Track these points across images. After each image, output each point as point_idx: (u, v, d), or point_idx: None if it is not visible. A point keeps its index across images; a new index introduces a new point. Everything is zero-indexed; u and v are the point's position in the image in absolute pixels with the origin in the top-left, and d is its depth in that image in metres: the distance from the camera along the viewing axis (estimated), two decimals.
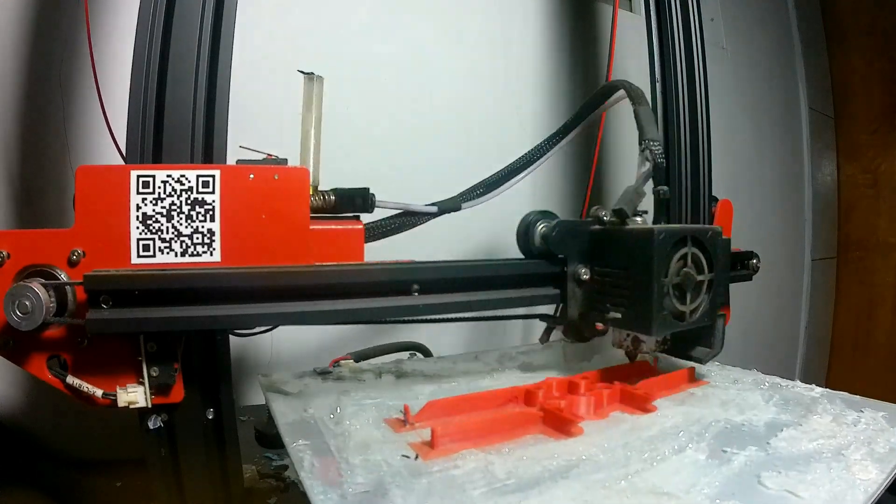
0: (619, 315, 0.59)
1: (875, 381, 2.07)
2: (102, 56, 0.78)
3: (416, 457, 0.44)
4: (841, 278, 2.28)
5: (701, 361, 0.66)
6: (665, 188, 0.65)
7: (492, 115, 1.20)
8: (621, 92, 0.71)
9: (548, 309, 0.70)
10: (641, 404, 0.56)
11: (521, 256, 0.68)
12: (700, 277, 0.59)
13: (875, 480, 0.41)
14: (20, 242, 0.46)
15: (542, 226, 0.65)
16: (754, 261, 0.83)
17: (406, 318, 0.70)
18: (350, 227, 0.57)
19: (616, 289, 0.60)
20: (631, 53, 1.28)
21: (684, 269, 0.58)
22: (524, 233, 0.66)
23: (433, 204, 0.69)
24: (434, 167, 1.09)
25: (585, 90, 1.32)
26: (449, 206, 0.70)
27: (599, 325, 0.65)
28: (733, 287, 0.88)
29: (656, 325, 0.56)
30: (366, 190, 0.60)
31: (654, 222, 0.63)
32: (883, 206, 2.15)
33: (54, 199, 0.81)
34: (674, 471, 0.43)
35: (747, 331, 1.78)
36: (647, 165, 0.62)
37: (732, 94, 1.75)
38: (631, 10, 1.46)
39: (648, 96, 0.97)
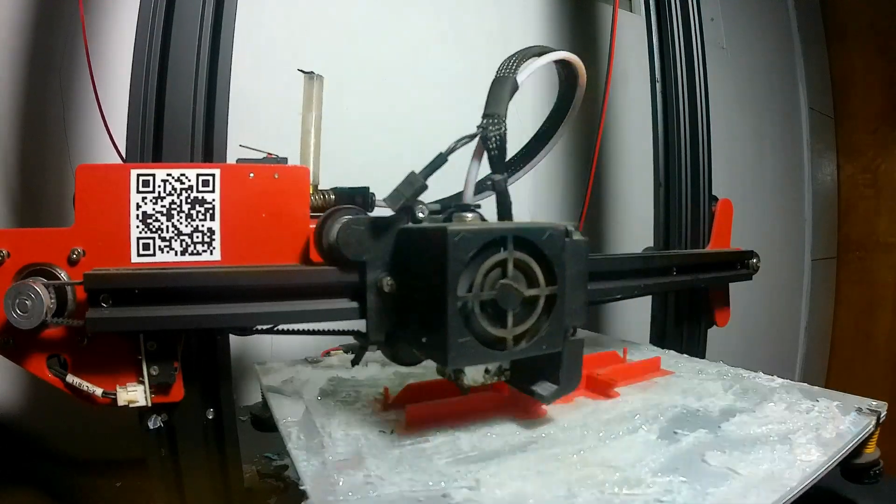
0: (424, 339, 0.44)
1: (875, 381, 2.07)
2: (102, 56, 0.79)
3: (392, 431, 0.49)
4: (841, 278, 2.28)
5: (544, 400, 0.48)
6: (498, 177, 0.51)
7: None
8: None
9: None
10: (605, 390, 0.58)
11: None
12: (531, 292, 0.43)
13: (816, 462, 0.42)
14: (20, 241, 0.46)
15: (339, 220, 0.49)
16: (754, 260, 0.83)
17: None
18: None
19: (417, 305, 0.45)
20: (631, 53, 1.28)
21: (501, 281, 0.42)
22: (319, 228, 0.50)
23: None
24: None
25: (585, 90, 1.32)
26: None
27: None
28: (733, 287, 0.88)
29: (453, 354, 0.41)
30: (366, 189, 0.60)
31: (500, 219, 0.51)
32: (883, 206, 2.15)
33: (54, 199, 0.81)
34: (624, 448, 0.46)
35: (747, 331, 1.78)
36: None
37: (732, 94, 1.75)
38: (631, 10, 1.47)
39: (648, 97, 0.97)
